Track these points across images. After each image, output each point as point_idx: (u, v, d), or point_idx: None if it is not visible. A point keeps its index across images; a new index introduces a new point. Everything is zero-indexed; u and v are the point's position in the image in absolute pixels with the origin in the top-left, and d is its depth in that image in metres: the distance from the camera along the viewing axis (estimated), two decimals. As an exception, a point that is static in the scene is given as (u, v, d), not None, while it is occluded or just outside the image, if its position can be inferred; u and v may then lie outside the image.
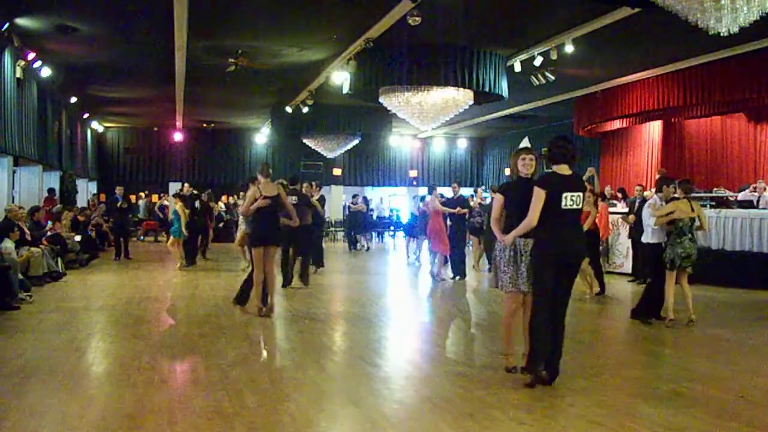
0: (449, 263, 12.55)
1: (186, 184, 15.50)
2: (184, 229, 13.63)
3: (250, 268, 8.91)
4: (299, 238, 10.61)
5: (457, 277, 12.32)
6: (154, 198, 25.07)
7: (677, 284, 8.06)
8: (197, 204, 15.12)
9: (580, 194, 5.28)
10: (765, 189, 13.41)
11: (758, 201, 13.12)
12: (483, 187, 28.04)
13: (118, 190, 16.70)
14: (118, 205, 16.22)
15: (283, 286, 10.78)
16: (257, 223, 8.44)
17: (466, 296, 11.15)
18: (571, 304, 10.22)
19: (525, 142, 25.17)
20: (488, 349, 6.86)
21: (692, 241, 7.99)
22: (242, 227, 13.31)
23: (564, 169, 5.36)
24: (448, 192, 14.42)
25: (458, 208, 12.36)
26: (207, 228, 15.72)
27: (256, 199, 8.26)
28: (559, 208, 5.22)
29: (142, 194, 24.89)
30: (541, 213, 5.22)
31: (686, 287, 8.12)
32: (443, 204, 12.45)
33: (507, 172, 26.36)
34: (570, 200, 5.23)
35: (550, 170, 5.46)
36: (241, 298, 8.87)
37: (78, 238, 14.43)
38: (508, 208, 5.60)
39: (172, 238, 14.04)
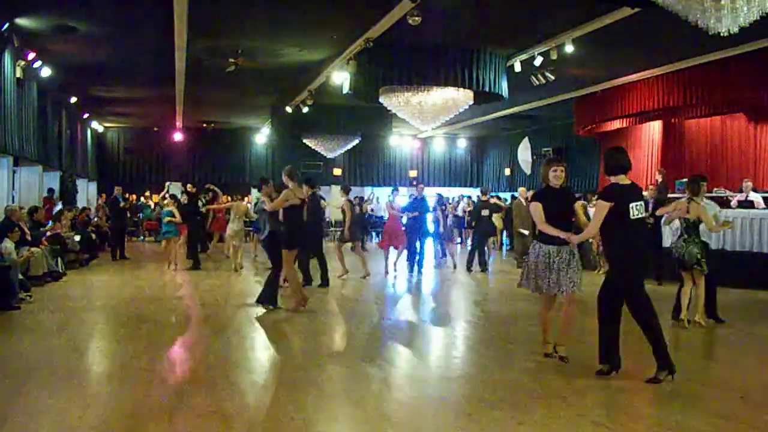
0: (410, 261, 13.77)
1: (189, 185, 15.46)
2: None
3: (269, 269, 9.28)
4: (312, 239, 11.20)
5: (414, 271, 13.64)
6: (155, 198, 25.08)
7: (693, 285, 8.04)
8: (200, 203, 15.07)
9: (642, 203, 5.54)
10: (749, 188, 13.29)
11: (746, 199, 12.95)
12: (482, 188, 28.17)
13: (117, 190, 16.69)
14: (121, 205, 16.23)
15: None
16: (291, 226, 8.63)
17: (465, 296, 11.16)
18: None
19: (525, 143, 25.25)
20: (488, 349, 6.86)
21: (687, 241, 7.93)
22: (232, 226, 13.35)
23: (623, 179, 5.53)
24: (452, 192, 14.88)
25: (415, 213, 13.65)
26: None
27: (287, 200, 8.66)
28: (627, 219, 5.41)
29: (148, 194, 24.96)
30: (611, 224, 5.44)
31: (699, 288, 8.02)
32: (409, 204, 14.16)
33: (507, 172, 26.37)
34: (636, 210, 5.42)
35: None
36: (270, 297, 8.90)
37: (78, 238, 14.44)
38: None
39: (164, 240, 14.05)
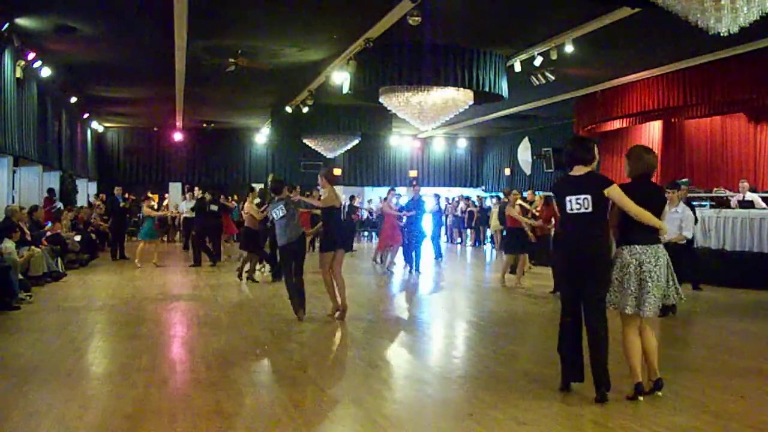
0: (407, 258, 13.88)
1: (196, 188, 15.58)
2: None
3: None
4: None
5: (414, 271, 13.56)
6: (155, 198, 25.10)
7: None
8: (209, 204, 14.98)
9: (588, 197, 4.95)
10: (746, 189, 13.27)
11: (743, 199, 12.92)
12: (482, 188, 28.18)
13: (117, 191, 16.67)
14: (121, 205, 16.21)
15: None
16: (330, 228, 8.47)
17: (465, 296, 11.15)
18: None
19: (525, 143, 25.24)
20: (488, 349, 6.86)
21: None
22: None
23: (580, 170, 5.11)
24: (453, 193, 14.85)
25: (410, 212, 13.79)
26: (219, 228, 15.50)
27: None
28: (565, 212, 5.10)
29: (150, 194, 24.96)
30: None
31: None
32: (405, 204, 14.22)
33: (507, 172, 26.35)
34: (576, 203, 4.99)
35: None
36: (297, 305, 8.48)
37: (78, 238, 14.44)
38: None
39: (142, 241, 14.62)
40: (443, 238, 24.14)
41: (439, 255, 16.68)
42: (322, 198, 8.59)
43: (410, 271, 13.72)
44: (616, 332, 5.16)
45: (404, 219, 13.88)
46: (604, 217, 5.00)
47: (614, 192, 4.92)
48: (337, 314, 8.43)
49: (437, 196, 21.20)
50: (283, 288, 11.01)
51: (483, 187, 28.27)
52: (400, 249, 14.09)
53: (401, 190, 29.43)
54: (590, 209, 4.93)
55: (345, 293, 8.45)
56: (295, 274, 8.44)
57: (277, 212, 8.40)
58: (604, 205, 4.97)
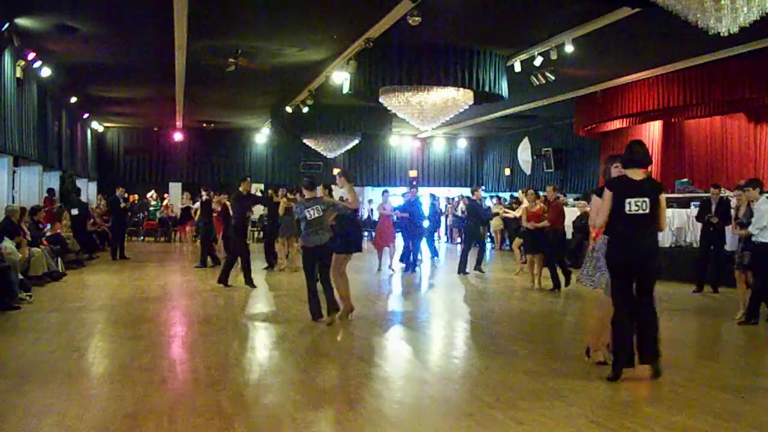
0: (405, 259, 14.01)
1: (203, 191, 15.60)
2: None
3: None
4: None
5: (409, 270, 13.74)
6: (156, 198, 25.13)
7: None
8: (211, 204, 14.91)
9: (647, 200, 5.42)
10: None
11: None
12: (483, 187, 28.15)
13: (120, 191, 16.69)
14: (122, 206, 16.22)
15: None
16: (350, 230, 8.38)
17: (465, 296, 11.15)
18: (570, 304, 10.28)
19: (525, 143, 25.26)
20: (488, 349, 6.86)
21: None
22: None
23: (636, 174, 5.50)
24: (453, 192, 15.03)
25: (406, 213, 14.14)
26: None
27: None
28: (623, 212, 5.40)
29: (154, 194, 25.03)
30: (609, 217, 5.50)
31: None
32: (401, 205, 14.55)
33: (507, 172, 26.34)
34: (635, 205, 5.38)
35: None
36: (330, 308, 8.04)
37: (75, 211, 14.55)
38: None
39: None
40: (443, 238, 24.19)
41: (434, 254, 16.69)
42: (348, 199, 8.16)
43: (411, 271, 13.77)
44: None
45: (394, 218, 14.27)
46: (656, 217, 5.52)
47: (663, 197, 5.60)
48: (349, 315, 8.27)
49: (432, 196, 21.21)
50: (284, 288, 11.07)
51: (483, 187, 28.26)
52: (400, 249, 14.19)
53: (402, 190, 29.51)
54: (647, 211, 5.43)
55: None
56: (321, 276, 8.05)
57: (311, 212, 7.86)
58: (657, 207, 5.50)
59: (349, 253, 8.50)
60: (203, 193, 15.45)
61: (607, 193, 5.49)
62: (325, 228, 7.94)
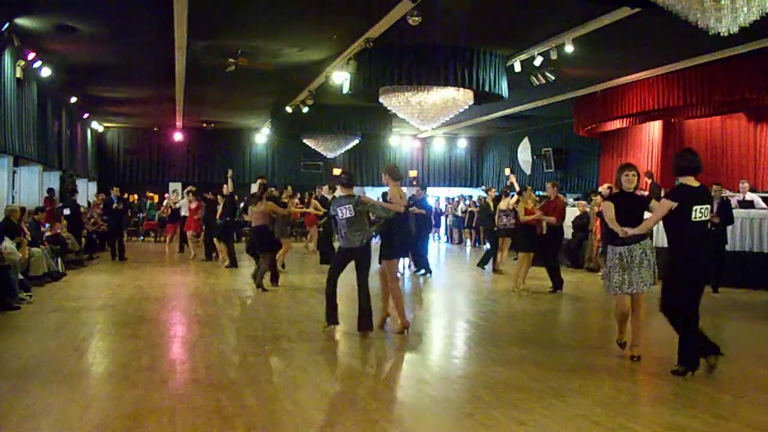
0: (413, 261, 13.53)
1: (210, 194, 15.59)
2: None
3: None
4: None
5: (422, 271, 13.22)
6: (155, 198, 25.12)
7: None
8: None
9: (708, 206, 5.70)
10: (746, 189, 13.24)
11: (743, 199, 12.89)
12: (483, 188, 28.12)
13: (114, 191, 16.67)
14: (114, 206, 16.11)
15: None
16: (402, 232, 7.72)
17: (465, 296, 11.15)
18: (572, 304, 10.28)
19: (525, 143, 25.25)
20: (488, 349, 6.86)
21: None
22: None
23: (691, 181, 5.68)
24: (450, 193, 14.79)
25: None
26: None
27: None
28: (689, 220, 5.56)
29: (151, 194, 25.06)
30: (673, 224, 5.66)
31: None
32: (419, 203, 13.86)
33: (507, 172, 26.27)
34: (699, 212, 5.56)
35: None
36: (367, 322, 7.37)
37: (67, 211, 14.55)
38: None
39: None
40: (443, 238, 24.18)
41: (428, 270, 16.55)
42: (393, 199, 7.47)
43: (425, 274, 13.22)
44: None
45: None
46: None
47: None
48: (405, 331, 7.45)
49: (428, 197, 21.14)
50: (283, 288, 11.06)
51: (483, 187, 28.24)
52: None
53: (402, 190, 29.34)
54: (707, 217, 5.67)
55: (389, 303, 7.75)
56: (359, 284, 7.28)
57: (344, 211, 7.19)
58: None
59: (399, 258, 7.94)
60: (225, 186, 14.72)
61: (667, 203, 5.63)
62: (357, 229, 7.19)
